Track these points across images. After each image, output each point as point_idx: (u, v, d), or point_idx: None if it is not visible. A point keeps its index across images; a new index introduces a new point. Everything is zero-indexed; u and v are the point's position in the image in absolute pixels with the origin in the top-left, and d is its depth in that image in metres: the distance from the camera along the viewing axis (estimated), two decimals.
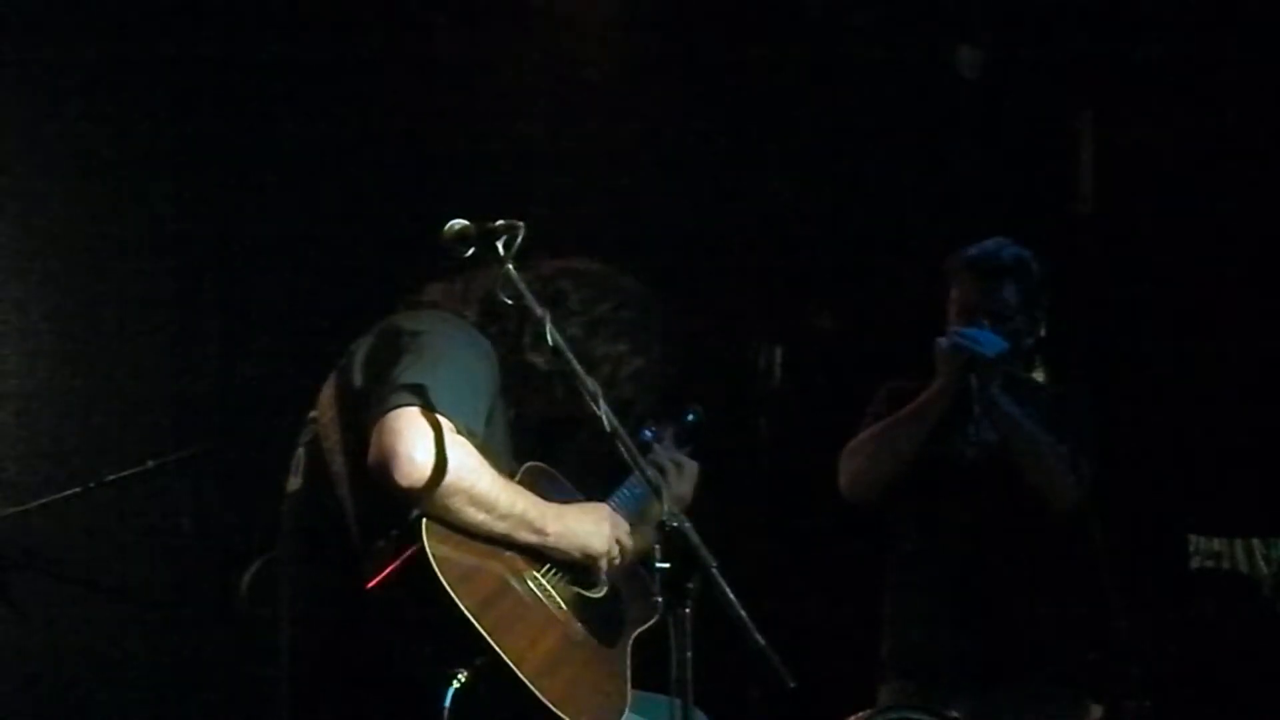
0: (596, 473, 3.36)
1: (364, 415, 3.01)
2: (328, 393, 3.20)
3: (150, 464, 4.91)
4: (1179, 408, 5.50)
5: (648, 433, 3.54)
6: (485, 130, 5.78)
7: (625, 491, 3.42)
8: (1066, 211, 5.77)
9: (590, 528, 3.22)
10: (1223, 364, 5.48)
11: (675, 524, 2.75)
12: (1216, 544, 5.12)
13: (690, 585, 2.71)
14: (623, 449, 2.90)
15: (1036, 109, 5.77)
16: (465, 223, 3.05)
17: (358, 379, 3.13)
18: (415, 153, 5.72)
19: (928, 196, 5.69)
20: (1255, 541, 5.07)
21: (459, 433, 2.98)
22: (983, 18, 5.75)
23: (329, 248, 5.60)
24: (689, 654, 2.70)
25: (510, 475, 3.15)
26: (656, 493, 2.81)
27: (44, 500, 4.89)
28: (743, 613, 2.74)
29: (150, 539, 5.35)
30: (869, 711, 4.12)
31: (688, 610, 2.71)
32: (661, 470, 3.43)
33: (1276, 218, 5.51)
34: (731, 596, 2.73)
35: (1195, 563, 5.13)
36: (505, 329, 3.24)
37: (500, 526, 3.06)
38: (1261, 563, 5.06)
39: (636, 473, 2.99)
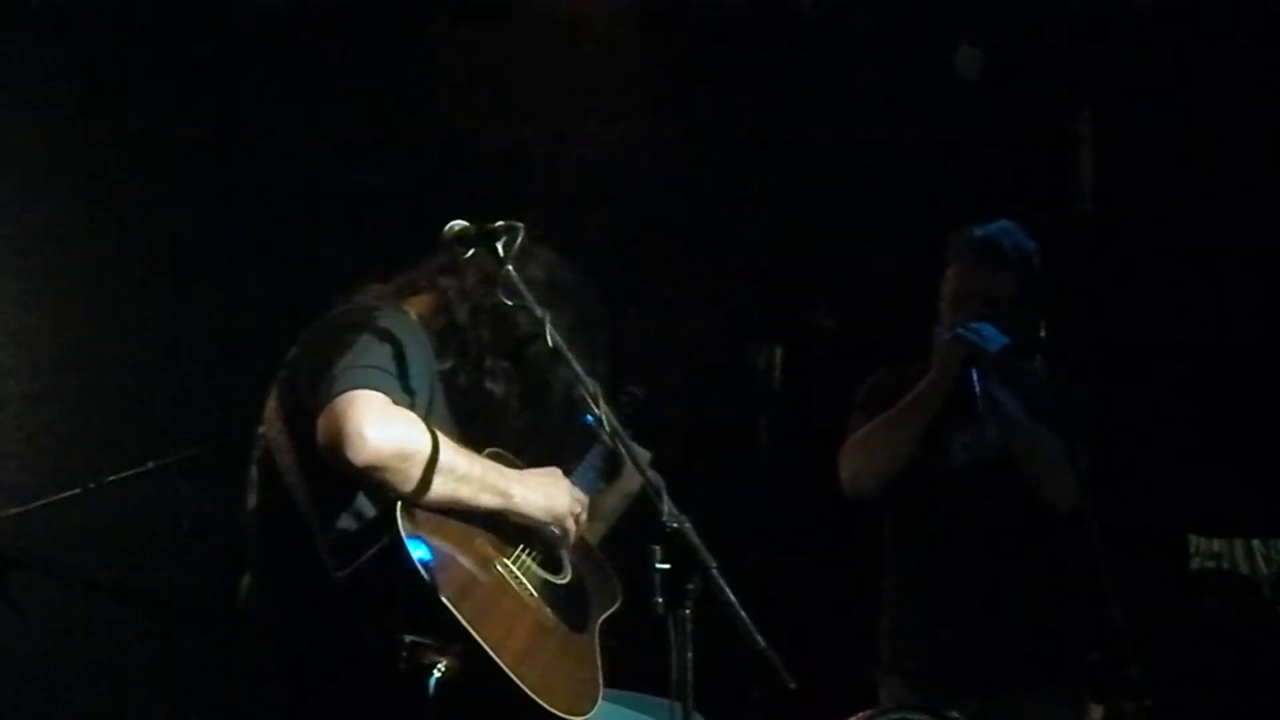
0: (542, 457, 3.31)
1: (308, 414, 2.99)
2: (271, 405, 3.19)
3: (150, 464, 4.91)
4: (1179, 407, 5.49)
5: (589, 418, 3.44)
6: (485, 130, 5.78)
7: (576, 479, 3.39)
8: (1066, 211, 5.76)
9: (550, 488, 3.21)
10: (1223, 364, 5.48)
11: (676, 525, 2.74)
12: (1216, 544, 5.13)
13: (690, 586, 2.70)
14: (623, 450, 2.89)
15: (1036, 109, 5.77)
16: (465, 223, 3.06)
17: (295, 385, 3.13)
18: (414, 153, 5.72)
19: (928, 197, 5.68)
20: (1255, 542, 5.08)
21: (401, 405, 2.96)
22: (983, 18, 5.75)
23: (329, 247, 5.59)
24: (689, 655, 2.70)
25: None
26: (657, 495, 2.80)
27: (44, 500, 4.89)
28: (743, 614, 2.73)
29: (150, 539, 5.35)
30: (869, 712, 4.12)
31: (688, 611, 2.70)
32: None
33: (1276, 217, 5.51)
34: (732, 597, 2.72)
35: (1195, 563, 5.13)
36: (497, 328, 3.21)
37: (464, 491, 3.04)
38: (1261, 563, 5.07)
39: (638, 476, 2.97)
